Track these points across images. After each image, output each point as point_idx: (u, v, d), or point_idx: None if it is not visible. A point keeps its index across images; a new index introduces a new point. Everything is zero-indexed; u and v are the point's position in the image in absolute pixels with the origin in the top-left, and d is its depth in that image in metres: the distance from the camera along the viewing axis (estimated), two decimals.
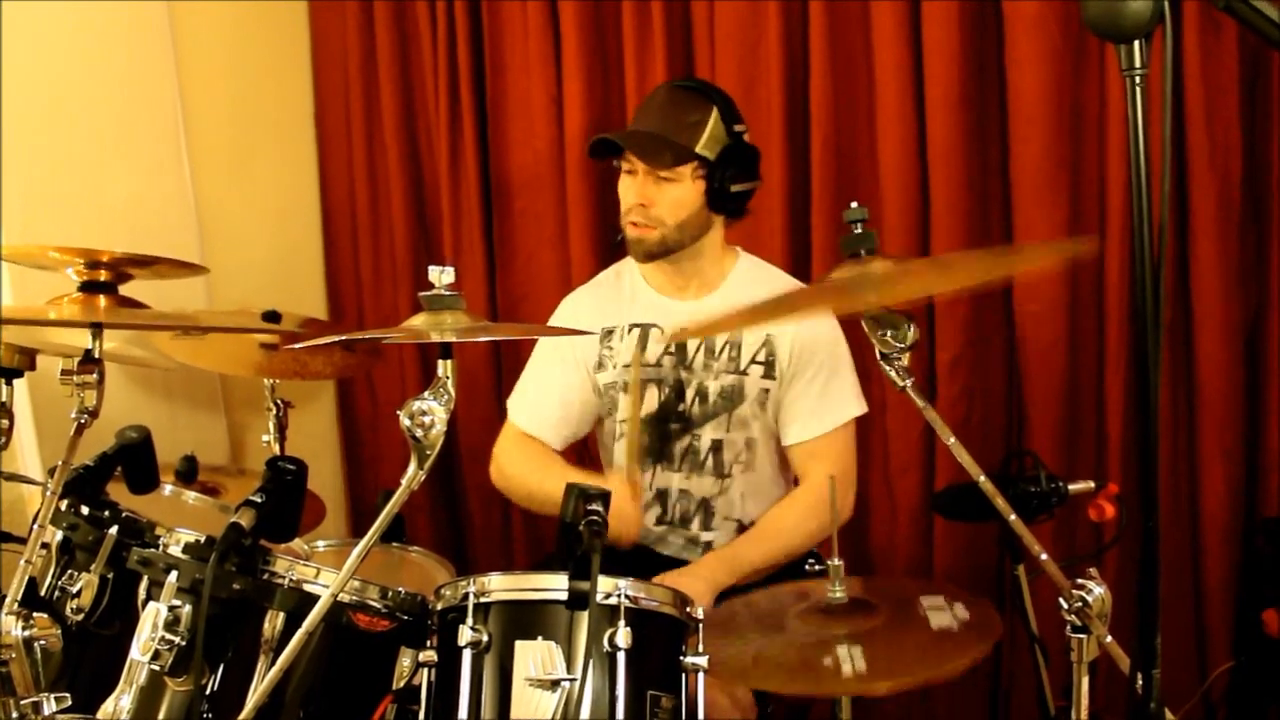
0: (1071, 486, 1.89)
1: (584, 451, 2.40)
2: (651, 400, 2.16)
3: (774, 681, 1.49)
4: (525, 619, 1.41)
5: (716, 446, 2.13)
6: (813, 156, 2.56)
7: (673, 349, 2.14)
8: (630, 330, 2.17)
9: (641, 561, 2.13)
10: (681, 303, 2.15)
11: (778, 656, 1.51)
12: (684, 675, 1.45)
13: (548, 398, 2.22)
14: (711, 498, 2.15)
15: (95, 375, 1.59)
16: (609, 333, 2.18)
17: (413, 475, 1.32)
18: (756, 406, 2.11)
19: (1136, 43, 1.00)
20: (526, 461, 2.19)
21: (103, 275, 1.71)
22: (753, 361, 2.11)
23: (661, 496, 2.17)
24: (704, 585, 1.91)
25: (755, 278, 2.17)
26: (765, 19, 2.56)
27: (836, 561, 1.60)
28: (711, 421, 2.13)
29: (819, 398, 2.09)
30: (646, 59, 2.71)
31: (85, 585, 1.65)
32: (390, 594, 1.54)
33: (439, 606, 1.49)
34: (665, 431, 2.16)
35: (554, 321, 2.28)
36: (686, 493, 2.16)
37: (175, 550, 1.51)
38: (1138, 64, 1.01)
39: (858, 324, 1.58)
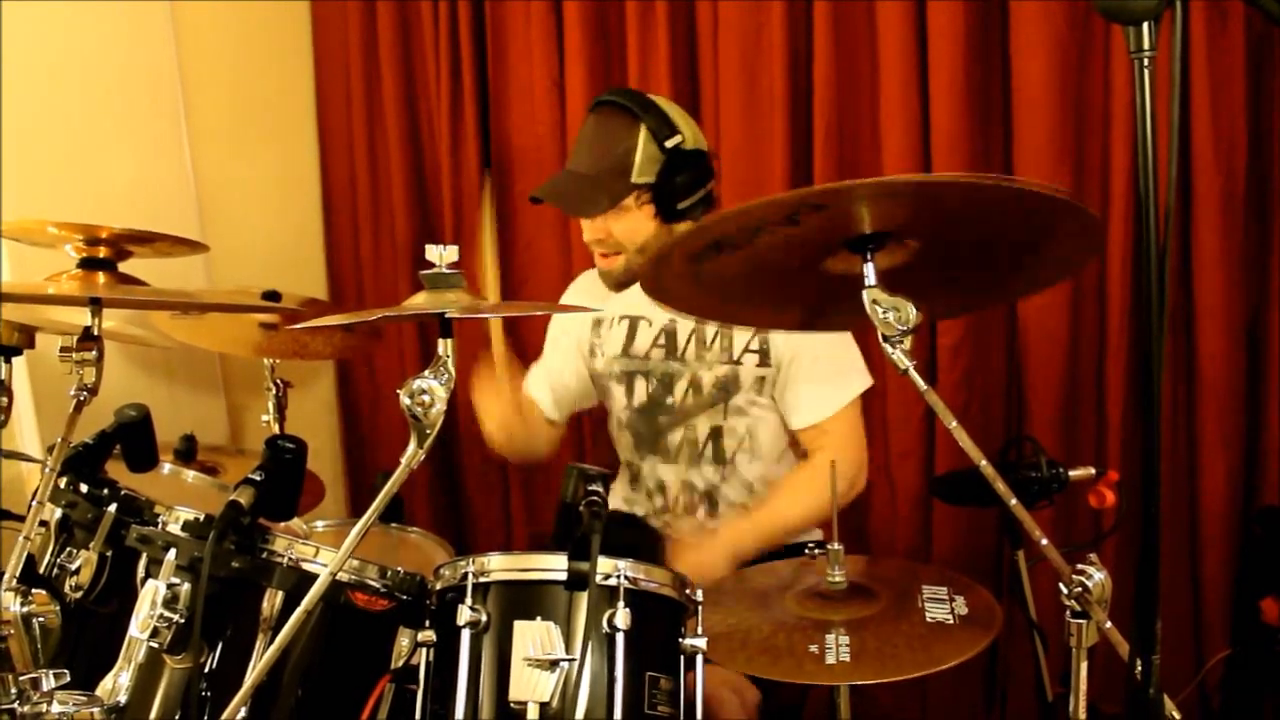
0: (1072, 473, 1.88)
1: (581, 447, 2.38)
2: (640, 393, 2.15)
3: (756, 665, 1.49)
4: (524, 599, 1.40)
5: (715, 434, 2.12)
6: (815, 142, 2.54)
7: (662, 341, 2.13)
8: (620, 320, 2.18)
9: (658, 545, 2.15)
10: None
11: (766, 639, 1.51)
12: (683, 657, 1.45)
13: (541, 374, 2.29)
14: (715, 487, 2.14)
15: (94, 352, 1.58)
16: (598, 323, 2.20)
17: (412, 454, 1.31)
18: (753, 394, 2.09)
19: (1145, 25, 1.00)
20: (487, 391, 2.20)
21: (102, 252, 1.70)
22: (746, 350, 2.09)
23: (661, 488, 2.17)
24: (722, 557, 1.94)
25: None
26: (769, 3, 2.54)
27: (836, 545, 1.60)
28: (707, 411, 2.11)
29: (822, 380, 2.07)
30: (649, 42, 2.70)
31: (84, 563, 1.65)
32: (389, 573, 1.53)
33: (438, 586, 1.49)
34: (655, 425, 2.15)
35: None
36: (689, 484, 2.15)
37: (174, 528, 1.51)
38: (1146, 46, 1.00)
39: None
